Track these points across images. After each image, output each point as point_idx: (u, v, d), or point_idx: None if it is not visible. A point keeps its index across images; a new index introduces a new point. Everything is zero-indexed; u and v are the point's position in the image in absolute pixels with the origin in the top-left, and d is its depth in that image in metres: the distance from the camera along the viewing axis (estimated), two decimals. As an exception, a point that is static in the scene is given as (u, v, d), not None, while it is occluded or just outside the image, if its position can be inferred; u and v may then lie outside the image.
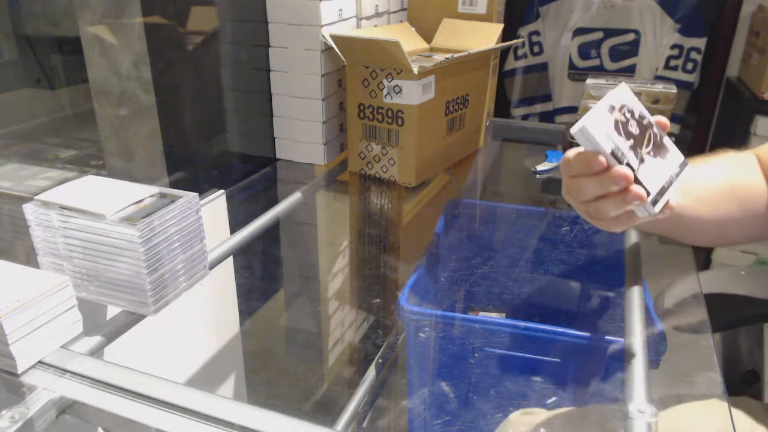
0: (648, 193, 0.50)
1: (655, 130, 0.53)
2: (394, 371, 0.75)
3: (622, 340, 0.62)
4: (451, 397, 0.78)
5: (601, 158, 0.48)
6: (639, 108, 0.52)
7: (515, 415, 0.71)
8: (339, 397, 1.08)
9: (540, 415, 0.70)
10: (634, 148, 0.50)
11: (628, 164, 0.49)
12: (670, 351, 0.64)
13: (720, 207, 0.61)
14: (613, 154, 0.48)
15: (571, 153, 0.52)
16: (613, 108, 0.50)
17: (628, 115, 0.51)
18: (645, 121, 0.52)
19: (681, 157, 0.55)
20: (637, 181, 0.49)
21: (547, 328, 0.68)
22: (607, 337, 0.67)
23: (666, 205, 0.52)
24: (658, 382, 0.67)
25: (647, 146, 0.52)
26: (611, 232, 0.58)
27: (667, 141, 0.55)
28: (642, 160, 0.50)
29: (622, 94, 0.51)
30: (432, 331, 0.74)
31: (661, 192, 0.51)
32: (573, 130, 0.48)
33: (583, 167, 0.50)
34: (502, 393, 0.77)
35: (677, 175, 0.54)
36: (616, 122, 0.49)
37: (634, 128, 0.51)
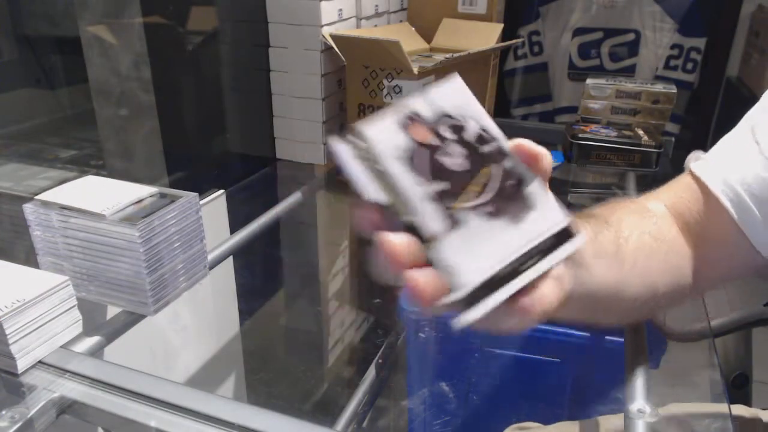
0: (453, 286, 0.27)
1: (510, 165, 0.30)
2: (394, 371, 0.75)
3: (621, 339, 0.62)
4: (450, 397, 0.78)
5: (367, 205, 0.28)
6: (479, 123, 0.29)
7: (510, 430, 0.71)
8: (339, 397, 1.08)
9: (535, 430, 0.70)
10: (442, 195, 0.27)
11: (412, 226, 0.27)
12: (670, 351, 0.64)
13: (653, 278, 0.46)
14: (386, 204, 0.28)
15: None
16: (413, 119, 0.28)
17: (449, 135, 0.28)
18: (486, 149, 0.29)
19: (562, 218, 0.30)
20: (426, 260, 0.28)
21: (547, 328, 0.68)
22: (606, 337, 0.67)
23: (515, 307, 0.28)
24: (658, 382, 0.67)
25: (478, 195, 0.28)
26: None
27: (536, 188, 0.30)
28: (456, 221, 0.27)
29: (447, 95, 0.29)
30: (432, 331, 0.74)
31: (495, 283, 0.27)
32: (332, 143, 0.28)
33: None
34: (502, 393, 0.77)
35: (548, 250, 0.29)
36: (415, 146, 0.27)
37: (455, 160, 0.28)
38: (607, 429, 0.66)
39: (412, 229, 0.27)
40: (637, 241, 0.44)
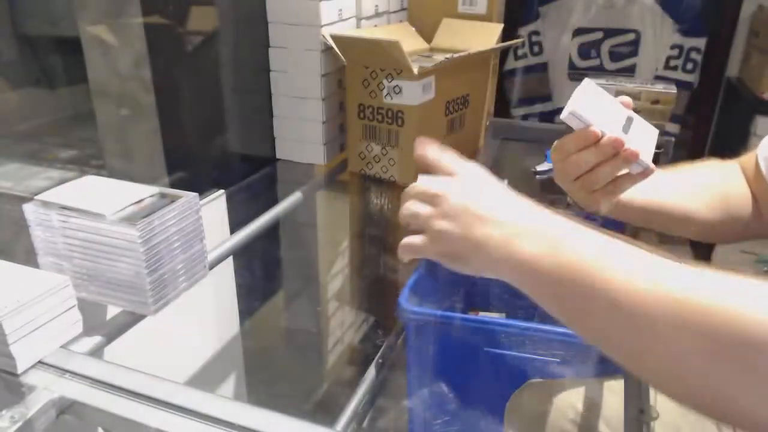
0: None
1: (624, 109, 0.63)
2: (394, 371, 0.75)
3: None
4: (450, 397, 0.78)
5: (595, 129, 0.56)
6: (606, 95, 0.61)
7: (526, 386, 0.74)
8: (339, 397, 1.08)
9: (547, 385, 0.74)
10: (613, 123, 0.58)
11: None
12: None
13: (710, 209, 0.67)
14: (601, 129, 0.57)
15: (564, 138, 0.60)
16: (586, 96, 0.58)
17: (600, 101, 0.60)
18: (615, 105, 0.62)
19: (653, 128, 0.64)
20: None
21: (548, 328, 0.68)
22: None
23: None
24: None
25: (624, 122, 0.60)
26: (602, 215, 0.65)
27: (636, 117, 0.63)
28: (624, 131, 0.58)
29: (588, 88, 0.60)
30: (432, 331, 0.74)
31: (646, 153, 0.59)
32: (563, 115, 0.57)
33: (579, 143, 0.58)
34: (502, 393, 0.77)
35: (653, 140, 0.62)
36: (595, 106, 0.58)
37: (608, 110, 0.60)
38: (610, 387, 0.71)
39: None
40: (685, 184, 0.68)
